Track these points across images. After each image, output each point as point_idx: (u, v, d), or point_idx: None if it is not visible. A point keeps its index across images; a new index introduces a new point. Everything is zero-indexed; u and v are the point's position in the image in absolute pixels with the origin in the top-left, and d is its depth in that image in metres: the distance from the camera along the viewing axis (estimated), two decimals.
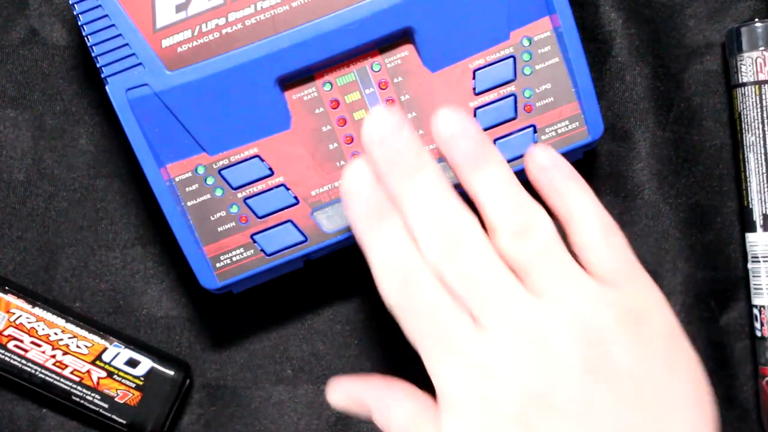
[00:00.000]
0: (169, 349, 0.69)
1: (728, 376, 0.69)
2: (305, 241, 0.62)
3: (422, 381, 0.69)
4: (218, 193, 0.62)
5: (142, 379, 0.66)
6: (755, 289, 0.67)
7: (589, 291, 0.52)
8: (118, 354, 0.66)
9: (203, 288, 0.68)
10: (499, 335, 0.51)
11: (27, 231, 0.69)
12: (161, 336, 0.69)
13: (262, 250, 0.62)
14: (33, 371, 0.66)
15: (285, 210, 0.62)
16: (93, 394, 0.66)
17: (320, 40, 0.61)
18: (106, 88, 0.61)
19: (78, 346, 0.66)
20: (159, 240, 0.69)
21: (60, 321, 0.66)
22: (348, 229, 0.62)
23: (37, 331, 0.66)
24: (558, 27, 0.61)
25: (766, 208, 0.67)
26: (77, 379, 0.66)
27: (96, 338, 0.66)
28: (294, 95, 0.62)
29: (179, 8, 0.61)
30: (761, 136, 0.66)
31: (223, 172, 0.62)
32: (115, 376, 0.66)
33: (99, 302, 0.69)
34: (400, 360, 0.69)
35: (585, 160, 0.69)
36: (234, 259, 0.63)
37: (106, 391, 0.66)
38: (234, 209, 0.62)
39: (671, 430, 0.51)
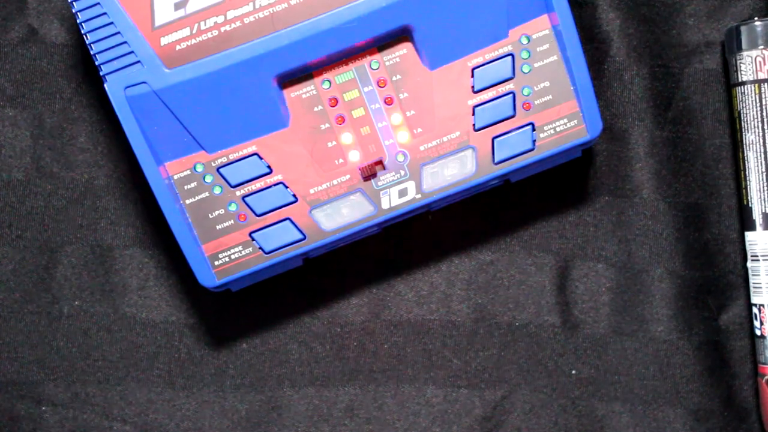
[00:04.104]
0: (168, 352, 0.69)
1: (728, 375, 0.69)
2: (304, 239, 0.62)
3: (422, 382, 0.69)
4: (217, 191, 0.62)
5: None
6: (755, 287, 0.67)
7: None
8: None
9: (202, 288, 0.68)
10: None
11: (26, 230, 0.69)
12: (160, 339, 0.69)
13: (260, 248, 0.62)
14: None
15: (283, 208, 0.62)
16: None
17: (319, 38, 0.61)
18: (105, 86, 0.61)
19: None
20: (158, 238, 0.69)
21: None
22: (346, 227, 0.62)
23: None
24: (557, 25, 0.61)
25: (765, 207, 0.66)
26: None
27: None
28: (293, 93, 0.62)
29: (178, 6, 0.61)
30: (761, 135, 0.66)
31: (221, 170, 0.62)
32: None
33: (99, 301, 0.69)
34: (399, 361, 0.69)
35: (583, 159, 0.69)
36: (232, 257, 0.63)
37: None
38: (232, 207, 0.62)
39: None
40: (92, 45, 0.61)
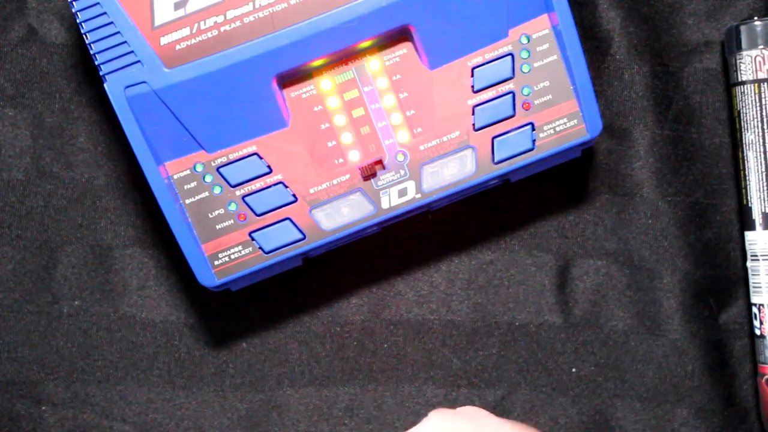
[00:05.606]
0: (168, 351, 0.69)
1: (728, 374, 0.69)
2: (303, 238, 0.62)
3: (422, 382, 0.69)
4: (216, 190, 0.62)
5: None
6: (754, 287, 0.67)
7: None
8: None
9: (202, 288, 0.69)
10: None
11: (26, 230, 0.69)
12: (160, 339, 0.69)
13: (260, 248, 0.62)
14: None
15: (283, 208, 0.62)
16: None
17: (319, 38, 0.61)
18: (105, 86, 0.61)
19: None
20: (158, 238, 0.69)
21: None
22: (346, 226, 0.62)
23: None
24: (556, 25, 0.61)
25: (765, 207, 0.66)
26: None
27: None
28: (292, 93, 0.62)
29: (178, 6, 0.61)
30: (760, 134, 0.66)
31: (221, 169, 0.62)
32: None
33: (99, 301, 0.69)
34: (399, 361, 0.69)
35: (583, 159, 0.69)
36: (232, 256, 0.63)
37: None
38: (232, 207, 0.62)
39: None
40: (92, 45, 0.61)
